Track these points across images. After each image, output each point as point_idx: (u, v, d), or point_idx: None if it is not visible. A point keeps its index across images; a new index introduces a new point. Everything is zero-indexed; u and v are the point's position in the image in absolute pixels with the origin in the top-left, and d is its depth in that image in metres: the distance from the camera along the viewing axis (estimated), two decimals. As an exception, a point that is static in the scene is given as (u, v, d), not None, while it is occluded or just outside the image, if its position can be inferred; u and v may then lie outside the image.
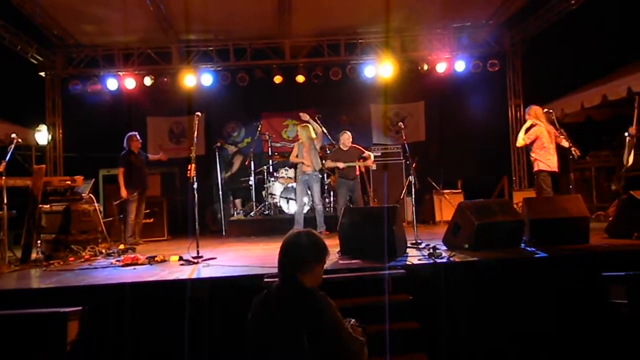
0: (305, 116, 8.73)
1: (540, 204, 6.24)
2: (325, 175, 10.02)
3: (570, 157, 7.39)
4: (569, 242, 5.59)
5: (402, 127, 7.48)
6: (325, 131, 10.33)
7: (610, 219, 6.94)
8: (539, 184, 7.37)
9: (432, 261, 5.03)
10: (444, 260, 5.06)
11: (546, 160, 7.29)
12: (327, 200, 10.00)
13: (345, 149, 8.65)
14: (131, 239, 8.22)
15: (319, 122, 9.67)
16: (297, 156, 8.66)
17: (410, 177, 6.88)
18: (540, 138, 7.32)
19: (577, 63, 9.75)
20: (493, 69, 10.64)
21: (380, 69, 10.59)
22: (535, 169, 7.39)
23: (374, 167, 9.50)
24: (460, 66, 10.65)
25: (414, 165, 6.91)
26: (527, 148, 7.52)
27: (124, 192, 8.24)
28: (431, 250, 5.38)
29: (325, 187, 10.03)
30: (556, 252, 5.24)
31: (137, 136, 8.62)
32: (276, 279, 2.73)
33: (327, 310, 2.48)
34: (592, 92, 8.99)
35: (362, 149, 8.73)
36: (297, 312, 2.45)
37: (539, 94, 10.49)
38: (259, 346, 2.52)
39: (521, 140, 7.44)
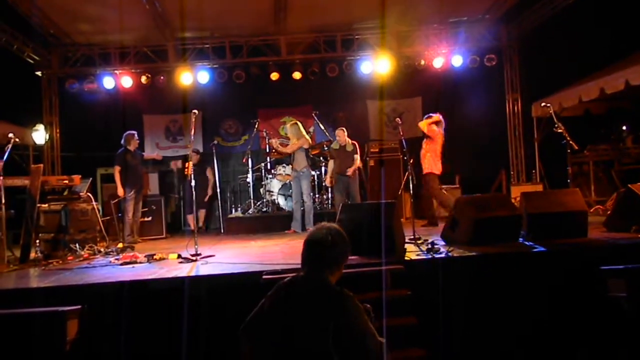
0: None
1: (538, 198, 6.25)
2: (323, 171, 10.03)
3: (569, 151, 7.40)
4: (567, 236, 5.60)
5: (399, 122, 7.47)
6: (323, 127, 10.34)
7: (609, 212, 6.95)
8: (431, 184, 8.15)
9: (430, 256, 5.05)
10: (442, 255, 5.07)
11: (437, 164, 8.12)
12: (324, 196, 10.00)
13: (337, 147, 8.64)
14: (129, 237, 8.21)
15: (315, 118, 9.71)
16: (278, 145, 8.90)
17: (408, 172, 6.87)
18: (437, 141, 8.09)
19: (574, 57, 9.76)
20: (490, 63, 10.62)
21: (376, 64, 10.55)
22: (428, 170, 8.11)
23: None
24: (457, 61, 10.62)
25: (411, 161, 6.90)
26: (421, 147, 8.28)
27: (120, 191, 8.23)
28: (429, 246, 5.40)
29: (323, 184, 10.04)
30: (554, 247, 5.25)
31: (136, 135, 8.62)
32: (278, 276, 2.72)
33: (355, 313, 2.48)
34: (590, 86, 8.98)
35: (357, 149, 8.71)
36: (324, 310, 2.44)
37: (536, 88, 10.53)
38: (281, 333, 2.50)
39: (425, 125, 8.09)
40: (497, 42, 10.95)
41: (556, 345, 4.59)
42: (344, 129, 8.75)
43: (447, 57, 10.68)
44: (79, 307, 3.83)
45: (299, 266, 2.69)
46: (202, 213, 9.88)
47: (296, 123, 8.83)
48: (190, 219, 9.28)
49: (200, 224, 9.79)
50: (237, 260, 5.63)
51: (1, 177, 6.04)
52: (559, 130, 7.35)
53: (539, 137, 10.62)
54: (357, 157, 8.72)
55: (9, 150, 6.25)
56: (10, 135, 6.42)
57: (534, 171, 10.72)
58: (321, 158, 9.99)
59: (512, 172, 11.13)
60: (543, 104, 8.26)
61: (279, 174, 9.90)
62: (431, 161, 8.19)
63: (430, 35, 10.82)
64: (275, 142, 9.34)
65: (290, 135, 8.81)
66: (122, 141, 8.49)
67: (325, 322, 2.40)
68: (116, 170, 8.28)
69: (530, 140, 10.91)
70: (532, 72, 10.78)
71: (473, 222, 5.55)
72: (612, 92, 8.50)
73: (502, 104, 11.29)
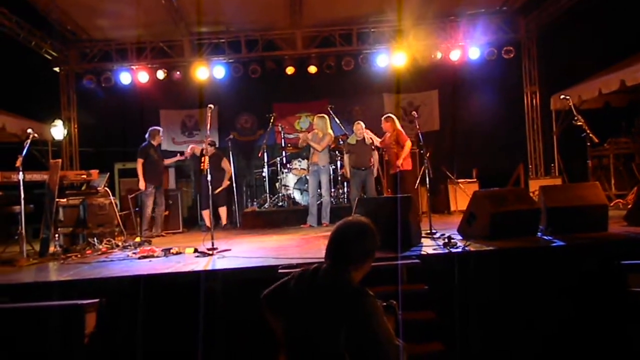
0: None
1: (557, 191, 6.15)
2: (338, 166, 10.00)
3: (588, 144, 7.28)
4: (587, 231, 5.51)
5: (416, 116, 7.41)
6: (338, 122, 10.31)
7: (629, 206, 6.84)
8: (405, 181, 8.12)
9: (447, 251, 5.01)
10: (459, 250, 5.02)
11: (409, 160, 8.25)
12: (340, 191, 9.98)
13: (354, 142, 8.59)
14: (147, 232, 8.28)
15: (331, 112, 9.65)
16: (310, 139, 8.69)
17: (425, 166, 6.82)
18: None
19: (594, 48, 9.59)
20: (508, 56, 10.49)
21: (392, 58, 10.50)
22: (406, 167, 8.18)
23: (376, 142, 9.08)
24: (474, 54, 10.51)
25: (428, 155, 6.85)
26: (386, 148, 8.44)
27: (142, 184, 8.28)
28: (446, 240, 5.35)
29: (339, 178, 10.01)
30: (574, 241, 5.17)
31: (161, 131, 8.70)
32: (294, 270, 2.68)
33: (371, 314, 2.38)
34: (610, 78, 8.81)
35: (372, 141, 8.61)
36: (340, 309, 2.37)
37: (555, 80, 10.38)
38: (300, 321, 2.48)
39: (408, 146, 8.20)
40: (515, 34, 10.81)
41: (575, 340, 4.53)
42: (361, 122, 8.69)
43: (464, 49, 10.57)
44: (97, 300, 3.86)
45: (315, 260, 2.66)
46: (223, 210, 9.36)
47: (324, 117, 8.79)
48: (206, 214, 9.02)
49: (224, 221, 9.35)
50: (253, 255, 5.64)
51: (21, 172, 6.11)
52: (579, 123, 7.23)
53: (557, 131, 10.47)
54: (408, 143, 8.44)
55: (27, 145, 6.31)
56: (29, 130, 6.48)
57: (552, 165, 10.58)
58: (337, 152, 9.96)
59: (530, 166, 11.01)
60: (562, 96, 8.13)
61: (295, 168, 9.89)
62: (409, 159, 8.30)
63: (447, 28, 10.72)
64: (308, 136, 9.04)
65: (316, 127, 8.73)
66: (147, 135, 8.57)
67: (339, 320, 2.35)
68: (139, 163, 8.34)
69: (549, 134, 10.77)
70: (551, 64, 10.64)
71: (490, 216, 5.50)
72: (633, 84, 8.33)
73: (520, 97, 11.16)
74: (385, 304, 2.65)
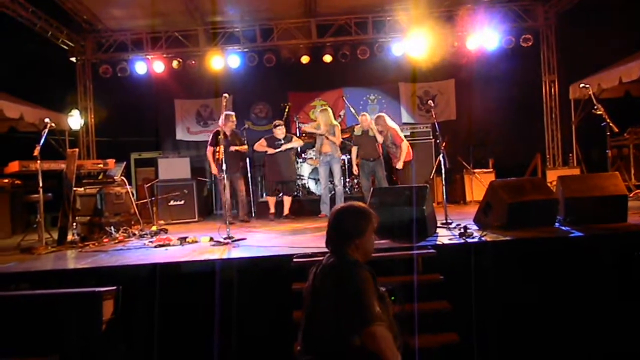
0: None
1: (576, 182, 6.07)
2: (353, 155, 9.95)
3: (608, 133, 7.16)
4: (606, 221, 5.43)
5: (432, 105, 7.34)
6: (353, 111, 10.25)
7: (650, 197, 6.74)
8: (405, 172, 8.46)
9: (463, 241, 4.98)
10: (475, 240, 4.99)
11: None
12: (355, 180, 9.94)
13: (360, 133, 8.55)
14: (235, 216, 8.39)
15: (346, 102, 9.59)
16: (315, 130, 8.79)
17: (440, 156, 6.76)
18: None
19: (614, 36, 9.39)
20: (526, 44, 10.34)
21: (408, 46, 10.39)
22: (407, 159, 8.43)
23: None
24: (491, 42, 10.36)
25: (444, 145, 6.78)
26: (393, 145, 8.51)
27: (215, 170, 8.20)
28: (462, 230, 5.32)
29: (353, 168, 9.96)
30: (592, 232, 5.11)
31: (233, 116, 8.40)
32: (308, 259, 2.70)
33: (356, 280, 2.42)
34: (631, 66, 8.63)
35: (378, 133, 8.52)
36: (335, 280, 2.46)
37: (574, 69, 10.20)
38: (305, 313, 2.59)
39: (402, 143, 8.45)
40: (533, 22, 10.63)
41: (592, 331, 4.48)
42: (366, 114, 8.67)
43: (482, 38, 10.42)
44: (114, 288, 3.91)
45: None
46: (288, 200, 8.78)
47: (327, 109, 8.80)
48: (272, 202, 8.69)
49: (287, 211, 8.69)
50: (268, 244, 5.67)
51: (38, 161, 6.18)
52: (598, 112, 7.10)
53: (576, 120, 10.32)
54: (404, 144, 8.49)
55: (45, 135, 6.38)
56: (47, 120, 6.54)
57: (570, 155, 10.43)
58: (351, 142, 9.91)
59: (547, 156, 10.87)
60: (582, 85, 8.00)
61: (310, 158, 9.88)
62: (408, 151, 8.51)
63: (464, 16, 10.55)
64: (313, 126, 9.02)
65: (320, 120, 8.75)
66: (220, 122, 8.31)
67: (331, 295, 2.43)
68: (209, 151, 8.27)
69: (567, 123, 10.62)
70: (570, 52, 10.45)
71: (507, 206, 5.44)
72: (655, 73, 8.18)
73: (539, 85, 11.00)
74: (383, 289, 2.68)
